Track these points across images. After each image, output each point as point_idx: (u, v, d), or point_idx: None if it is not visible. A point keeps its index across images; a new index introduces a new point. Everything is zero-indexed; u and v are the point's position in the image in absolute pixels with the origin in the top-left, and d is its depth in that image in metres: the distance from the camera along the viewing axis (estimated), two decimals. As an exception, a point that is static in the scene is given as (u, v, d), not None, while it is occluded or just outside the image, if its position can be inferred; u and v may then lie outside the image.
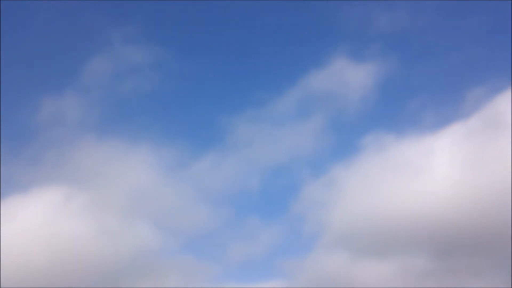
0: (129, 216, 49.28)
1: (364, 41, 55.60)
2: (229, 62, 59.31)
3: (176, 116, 61.57)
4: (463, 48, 55.24)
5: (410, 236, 40.80)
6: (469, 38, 54.54)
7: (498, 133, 40.48)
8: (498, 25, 52.74)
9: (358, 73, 53.81)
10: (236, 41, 58.51)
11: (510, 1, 47.39)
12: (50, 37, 58.71)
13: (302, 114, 58.57)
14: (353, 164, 50.82)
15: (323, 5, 57.64)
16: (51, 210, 43.51)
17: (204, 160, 55.86)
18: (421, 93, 57.00)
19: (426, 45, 55.85)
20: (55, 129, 54.41)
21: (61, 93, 58.68)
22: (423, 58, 55.21)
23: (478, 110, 49.62)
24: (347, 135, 57.02)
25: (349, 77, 54.26)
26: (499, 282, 36.16)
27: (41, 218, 41.90)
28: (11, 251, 36.64)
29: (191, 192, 54.14)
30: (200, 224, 52.07)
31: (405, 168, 44.08)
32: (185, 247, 56.41)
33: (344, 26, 56.38)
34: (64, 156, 53.99)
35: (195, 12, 60.76)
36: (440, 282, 38.19)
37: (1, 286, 28.33)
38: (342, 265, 43.78)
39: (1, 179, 43.28)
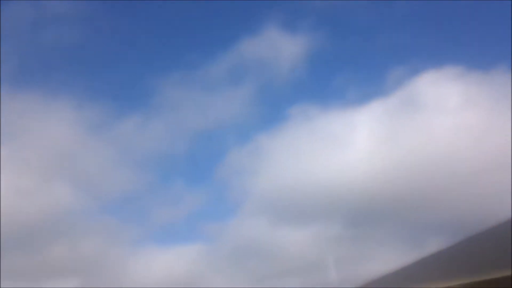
0: (46, 175, 47.70)
1: (297, 13, 56.14)
2: (160, 21, 57.67)
3: (100, 73, 59.34)
4: (390, 30, 57.43)
5: (327, 204, 42.66)
6: (396, 21, 56.72)
7: (415, 112, 42.86)
8: (423, 11, 55.36)
9: (289, 44, 54.41)
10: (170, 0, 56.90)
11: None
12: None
13: (232, 81, 58.67)
14: (278, 133, 52.03)
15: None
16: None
17: (128, 121, 54.76)
18: (347, 69, 58.95)
19: (356, 24, 57.38)
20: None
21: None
22: (352, 35, 56.69)
23: (398, 89, 52.22)
24: (274, 104, 58.00)
25: (280, 47, 54.77)
26: (402, 249, 39.16)
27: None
28: None
29: (114, 153, 53.12)
30: (123, 186, 51.49)
31: (327, 140, 45.70)
32: (106, 209, 55.72)
33: (279, -4, 56.53)
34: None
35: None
36: (350, 248, 40.68)
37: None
38: (263, 231, 45.22)
39: None
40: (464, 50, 55.01)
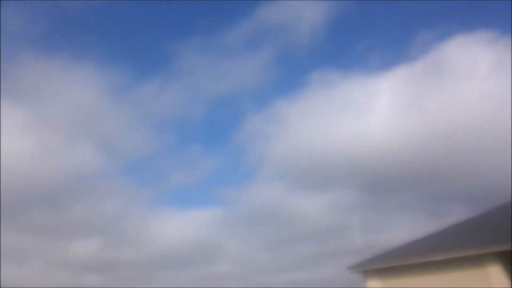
0: (70, 136, 48.43)
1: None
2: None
3: (122, 37, 59.42)
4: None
5: (345, 172, 42.39)
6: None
7: (441, 79, 41.47)
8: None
9: (311, 8, 53.30)
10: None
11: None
12: None
13: (250, 46, 58.02)
14: (297, 99, 51.60)
15: None
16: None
17: (148, 84, 54.94)
18: (370, 34, 57.64)
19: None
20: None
21: (1, 3, 54.90)
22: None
23: (423, 55, 50.80)
24: (293, 70, 57.34)
25: (301, 11, 53.69)
26: (419, 217, 38.93)
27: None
28: None
29: (134, 115, 53.55)
30: (141, 148, 52.08)
31: (348, 107, 45.03)
32: (125, 169, 56.58)
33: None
34: (3, 70, 51.45)
35: None
36: (366, 215, 40.57)
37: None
38: (279, 196, 45.41)
39: None
40: (497, 15, 53.08)
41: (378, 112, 42.16)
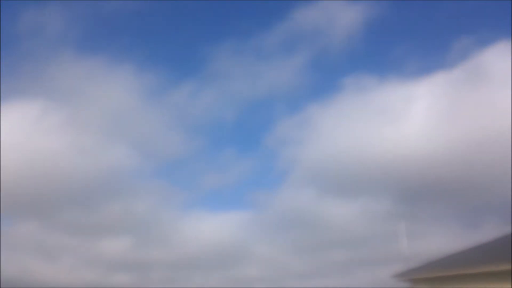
0: (105, 136, 49.06)
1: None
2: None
3: (159, 39, 60.00)
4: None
5: (378, 179, 41.77)
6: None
7: (480, 86, 40.47)
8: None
9: (347, 12, 52.82)
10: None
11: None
12: None
13: (286, 50, 57.84)
14: (330, 104, 51.16)
15: None
16: (27, 124, 42.88)
17: (183, 87, 55.25)
18: (408, 39, 56.76)
19: (418, -11, 54.86)
20: (35, 41, 52.47)
21: (43, 4, 56.09)
22: (413, 2, 54.37)
23: (463, 60, 49.72)
24: (328, 74, 56.90)
25: (337, 15, 53.26)
26: (457, 227, 38.08)
27: (19, 132, 41.33)
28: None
29: (168, 118, 53.94)
30: (175, 150, 52.40)
31: (382, 112, 44.31)
32: (158, 171, 57.05)
33: (338, -37, 54.72)
34: (42, 70, 52.50)
35: None
36: (399, 224, 39.75)
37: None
38: (310, 201, 45.08)
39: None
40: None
41: (414, 118, 41.47)
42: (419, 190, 40.23)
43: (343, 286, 35.62)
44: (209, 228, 43.80)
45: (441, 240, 35.33)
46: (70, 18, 55.03)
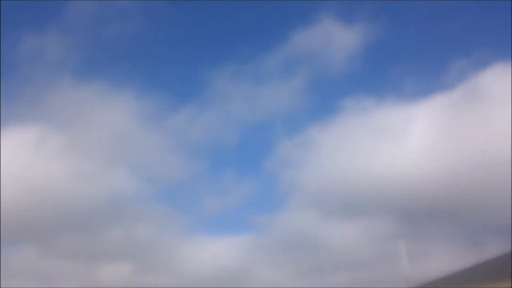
0: (105, 161, 49.10)
1: (353, 3, 55.23)
2: (218, 15, 58.34)
3: (159, 65, 60.77)
4: (452, 19, 55.34)
5: (379, 200, 41.63)
6: (459, 9, 54.47)
7: (479, 108, 40.64)
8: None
9: (345, 34, 53.50)
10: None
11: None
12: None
13: (284, 73, 58.42)
14: (330, 125, 51.37)
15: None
16: (27, 149, 42.97)
17: (182, 111, 55.60)
18: (406, 60, 57.40)
19: (416, 12, 55.77)
20: (34, 67, 53.07)
21: (42, 30, 57.00)
22: (411, 25, 55.17)
23: (461, 82, 50.05)
24: (327, 96, 57.42)
25: (335, 38, 53.95)
26: (458, 248, 37.72)
27: (17, 157, 41.39)
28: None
29: (168, 142, 54.07)
30: (175, 174, 52.37)
31: (382, 134, 44.46)
32: (159, 195, 56.91)
33: (335, -14, 55.76)
34: (41, 95, 52.89)
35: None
36: (400, 246, 39.36)
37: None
38: (312, 224, 44.82)
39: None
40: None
41: (413, 139, 41.59)
42: (420, 211, 40.07)
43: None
44: (211, 253, 43.47)
45: (443, 260, 35.00)
46: (69, 44, 55.80)
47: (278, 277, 42.42)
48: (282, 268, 43.75)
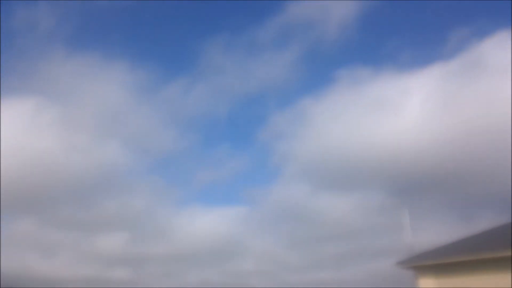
0: (99, 134, 48.88)
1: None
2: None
3: (151, 36, 59.89)
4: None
5: (372, 172, 41.80)
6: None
7: (478, 78, 40.09)
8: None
9: (340, 3, 52.85)
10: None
11: None
12: None
13: (278, 43, 57.88)
14: (324, 97, 51.24)
15: None
16: (23, 121, 42.60)
17: (175, 83, 55.19)
18: (403, 30, 56.83)
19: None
20: (27, 39, 52.16)
21: (34, 1, 55.73)
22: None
23: (460, 52, 49.59)
24: (321, 67, 57.05)
25: (331, 7, 53.24)
26: (448, 220, 38.19)
27: (14, 129, 41.05)
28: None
29: (161, 115, 53.83)
30: (169, 147, 52.32)
31: (377, 105, 44.28)
32: (152, 168, 56.97)
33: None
34: (35, 67, 52.15)
35: None
36: (393, 217, 39.78)
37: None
38: (304, 196, 45.20)
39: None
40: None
41: (410, 111, 41.48)
42: (415, 183, 40.32)
43: (338, 279, 35.75)
44: (205, 224, 43.87)
45: (437, 232, 35.54)
46: (61, 15, 54.71)
47: (271, 247, 43.03)
48: (275, 239, 44.35)
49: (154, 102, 53.53)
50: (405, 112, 41.84)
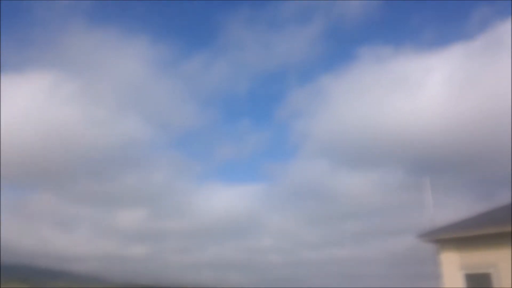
0: (119, 108, 49.31)
1: None
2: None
3: (172, 10, 59.95)
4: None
5: (392, 151, 41.85)
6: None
7: (500, 56, 39.66)
8: None
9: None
10: None
11: None
12: None
13: (299, 19, 57.42)
14: (344, 75, 51.12)
15: None
16: (42, 94, 43.09)
17: (196, 58, 55.34)
18: (425, 8, 56.12)
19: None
20: (47, 11, 52.40)
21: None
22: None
23: (482, 31, 48.75)
24: (342, 44, 56.69)
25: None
26: (465, 200, 38.02)
27: (32, 101, 41.56)
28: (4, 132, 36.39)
29: (181, 90, 54.02)
30: (189, 122, 52.80)
31: (398, 84, 44.06)
32: (172, 143, 57.72)
33: None
34: (55, 41, 52.51)
35: None
36: (412, 196, 39.70)
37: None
38: (323, 173, 45.47)
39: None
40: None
41: (431, 90, 41.29)
42: (434, 161, 40.15)
43: (356, 256, 35.82)
44: (224, 200, 44.50)
45: (457, 209, 35.45)
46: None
47: (289, 224, 43.27)
48: (293, 216, 44.71)
49: (175, 76, 54.02)
50: (426, 91, 41.70)
